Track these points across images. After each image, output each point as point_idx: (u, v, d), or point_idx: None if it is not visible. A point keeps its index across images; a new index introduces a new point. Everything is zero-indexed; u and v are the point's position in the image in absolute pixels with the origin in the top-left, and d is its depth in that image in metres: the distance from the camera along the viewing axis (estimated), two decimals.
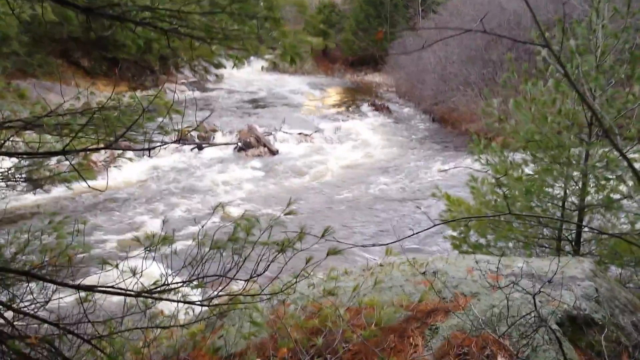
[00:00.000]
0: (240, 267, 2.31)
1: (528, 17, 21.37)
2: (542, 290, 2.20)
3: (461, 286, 2.65)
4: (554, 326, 2.18)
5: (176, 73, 34.99)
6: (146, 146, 3.50)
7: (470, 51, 22.84)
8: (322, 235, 2.57)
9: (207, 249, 2.26)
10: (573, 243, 4.93)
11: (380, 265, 3.26)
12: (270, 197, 12.64)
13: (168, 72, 33.78)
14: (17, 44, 22.81)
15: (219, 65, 41.46)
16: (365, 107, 26.17)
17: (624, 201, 4.57)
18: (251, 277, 2.32)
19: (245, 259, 2.23)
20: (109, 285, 2.21)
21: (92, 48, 28.21)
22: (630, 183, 4.47)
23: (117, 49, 28.66)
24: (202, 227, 2.31)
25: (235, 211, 11.41)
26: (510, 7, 21.89)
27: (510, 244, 5.04)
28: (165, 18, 2.39)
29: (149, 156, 3.64)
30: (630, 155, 4.62)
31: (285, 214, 2.34)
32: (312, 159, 16.44)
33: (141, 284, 2.21)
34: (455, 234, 5.13)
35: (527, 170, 4.92)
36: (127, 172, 14.09)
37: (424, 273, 2.90)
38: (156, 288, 2.26)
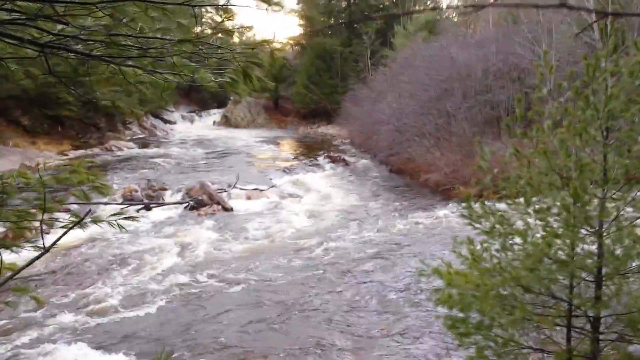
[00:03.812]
0: None
1: (478, 69, 21.64)
2: None
3: None
4: None
5: (123, 129, 33.72)
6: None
7: (423, 102, 22.82)
8: None
9: None
10: (590, 319, 4.19)
11: None
12: (226, 261, 11.54)
13: (115, 128, 32.48)
14: None
15: (168, 121, 40.56)
16: (321, 159, 25.64)
17: None
18: None
19: None
20: None
21: (32, 106, 26.77)
22: None
23: (60, 106, 27.32)
24: None
25: (187, 280, 10.27)
26: (461, 59, 22.13)
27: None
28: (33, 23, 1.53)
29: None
30: None
31: None
32: (269, 216, 15.50)
33: None
34: (454, 313, 4.30)
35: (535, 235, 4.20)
36: (63, 238, 12.70)
37: None
38: None
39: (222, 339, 7.86)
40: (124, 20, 2.05)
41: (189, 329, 8.22)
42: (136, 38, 2.21)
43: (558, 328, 4.46)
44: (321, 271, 10.78)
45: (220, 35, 3.04)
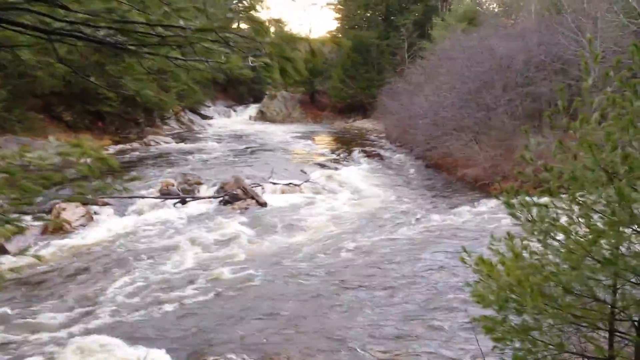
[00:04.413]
0: None
1: (519, 60, 20.98)
2: None
3: None
4: None
5: (162, 124, 34.28)
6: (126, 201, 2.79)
7: (462, 95, 22.31)
8: None
9: None
10: (635, 323, 3.93)
11: None
12: (257, 256, 11.53)
13: (153, 124, 33.05)
14: None
15: (205, 116, 41.04)
16: (356, 154, 25.46)
17: None
18: None
19: None
20: None
21: (74, 102, 27.44)
22: None
23: (100, 102, 27.90)
24: None
25: (218, 274, 10.30)
26: (500, 51, 21.52)
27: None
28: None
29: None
30: None
31: None
32: (303, 211, 15.44)
33: None
34: (488, 313, 4.10)
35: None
36: (101, 231, 12.96)
37: None
38: None
39: (250, 334, 7.83)
40: (137, 8, 1.95)
41: (216, 323, 8.22)
42: (151, 26, 2.11)
43: (600, 332, 4.21)
44: (353, 268, 10.65)
45: (248, 26, 2.90)
